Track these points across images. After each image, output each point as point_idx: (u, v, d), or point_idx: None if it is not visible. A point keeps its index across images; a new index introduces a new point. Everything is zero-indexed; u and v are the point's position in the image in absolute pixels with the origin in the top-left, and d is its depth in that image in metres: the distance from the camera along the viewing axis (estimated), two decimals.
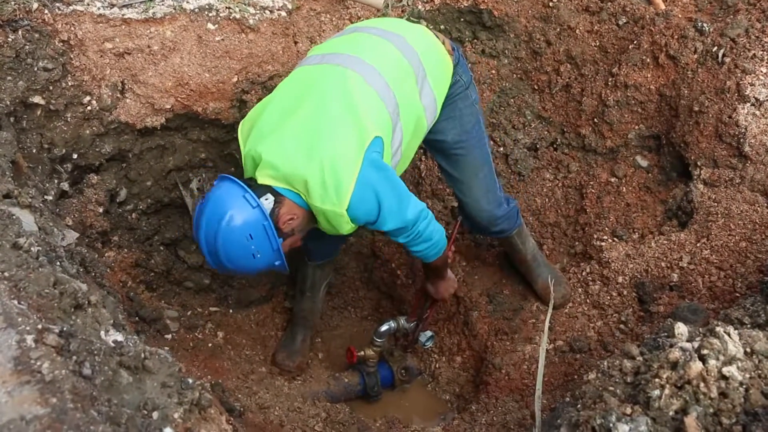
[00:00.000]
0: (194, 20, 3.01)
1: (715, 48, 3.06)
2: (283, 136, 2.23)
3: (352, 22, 3.38)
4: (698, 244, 2.81)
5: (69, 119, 2.76)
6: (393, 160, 2.44)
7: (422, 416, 3.30)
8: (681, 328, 1.72)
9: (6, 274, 1.55)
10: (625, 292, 2.94)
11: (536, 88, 3.65)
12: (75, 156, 2.80)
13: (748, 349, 1.56)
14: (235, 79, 3.06)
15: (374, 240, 3.65)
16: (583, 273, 3.15)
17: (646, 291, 2.85)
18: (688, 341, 1.65)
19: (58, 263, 1.89)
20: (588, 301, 3.05)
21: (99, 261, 2.46)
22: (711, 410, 1.43)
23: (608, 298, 2.98)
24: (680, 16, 3.26)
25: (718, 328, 1.60)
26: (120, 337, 1.62)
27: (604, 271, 3.05)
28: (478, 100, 2.82)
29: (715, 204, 2.88)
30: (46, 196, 2.54)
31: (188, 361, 2.93)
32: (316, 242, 3.05)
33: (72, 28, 2.78)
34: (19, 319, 1.37)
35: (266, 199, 2.22)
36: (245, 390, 2.91)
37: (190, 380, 1.57)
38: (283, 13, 3.23)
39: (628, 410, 1.52)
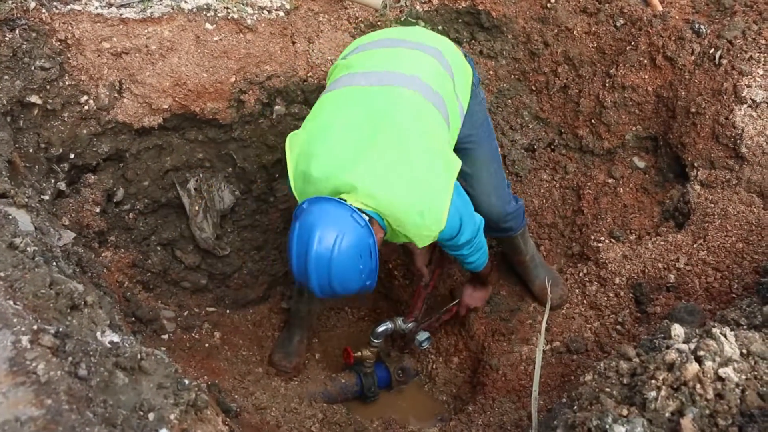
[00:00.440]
0: (192, 20, 3.01)
1: (712, 50, 3.07)
2: (375, 168, 2.20)
3: (350, 23, 3.38)
4: (695, 245, 2.81)
5: (66, 119, 2.75)
6: None
7: (419, 417, 3.30)
8: (677, 330, 1.72)
9: (2, 274, 1.55)
10: (622, 293, 2.94)
11: (534, 89, 3.65)
12: (72, 156, 2.80)
13: (744, 351, 1.56)
14: (232, 79, 3.06)
15: None
16: (580, 274, 3.15)
17: (643, 292, 2.85)
18: (684, 342, 1.65)
19: (55, 263, 1.89)
20: (585, 302, 3.06)
21: (95, 261, 2.47)
22: (707, 412, 1.43)
23: (605, 299, 2.98)
24: (677, 17, 3.26)
25: (714, 330, 1.60)
26: (116, 338, 1.62)
27: (601, 272, 3.05)
28: (485, 100, 2.84)
29: (712, 205, 2.88)
30: (42, 196, 2.54)
31: (185, 361, 2.92)
32: None
33: (69, 28, 2.77)
34: (15, 320, 1.37)
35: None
36: (242, 391, 2.91)
37: (187, 381, 1.57)
38: (281, 14, 3.23)
39: (625, 411, 1.52)
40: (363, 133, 2.25)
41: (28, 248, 1.73)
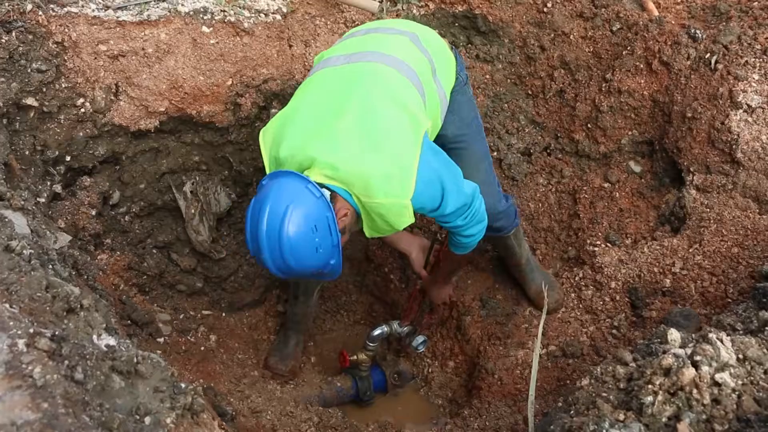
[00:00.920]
0: (189, 23, 3.01)
1: (708, 54, 3.08)
2: (337, 137, 2.17)
3: (347, 26, 3.38)
4: (691, 250, 2.82)
5: (62, 121, 2.75)
6: None
7: (415, 421, 3.29)
8: (674, 335, 1.73)
9: None
10: (617, 297, 2.94)
11: (530, 93, 3.65)
12: (68, 158, 2.79)
13: (740, 356, 1.57)
14: (229, 83, 3.06)
15: (368, 244, 3.65)
16: (576, 278, 3.16)
17: (639, 296, 2.86)
18: (681, 347, 1.66)
19: (51, 266, 1.89)
20: (581, 306, 3.06)
21: (91, 264, 2.46)
22: (704, 417, 1.43)
23: (601, 303, 2.99)
24: (673, 22, 3.27)
25: (711, 335, 1.60)
26: (112, 342, 1.61)
27: (597, 276, 3.05)
28: (474, 97, 2.83)
29: (708, 210, 2.89)
30: (38, 199, 2.54)
31: (180, 364, 2.92)
32: None
33: (66, 30, 2.77)
34: (11, 323, 1.36)
35: (325, 192, 2.14)
36: (237, 394, 2.91)
37: (183, 385, 1.56)
38: (278, 17, 3.23)
39: (621, 416, 1.52)
40: (330, 108, 2.24)
41: (24, 251, 1.72)
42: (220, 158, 3.25)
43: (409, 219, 2.23)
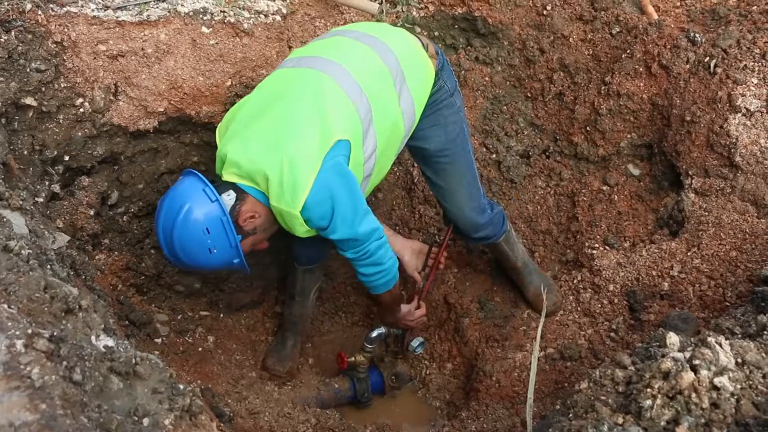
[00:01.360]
0: (188, 23, 3.00)
1: (707, 58, 3.08)
2: (248, 136, 2.26)
3: None
4: (689, 253, 2.82)
5: (61, 121, 2.74)
6: (366, 165, 2.44)
7: (412, 423, 3.29)
8: (673, 338, 1.73)
9: None
10: (615, 300, 2.95)
11: (529, 95, 3.66)
12: (66, 158, 2.79)
13: (739, 360, 1.57)
14: (228, 83, 3.06)
15: None
16: (575, 281, 3.16)
17: (637, 299, 2.86)
18: (679, 351, 1.66)
19: (49, 267, 1.88)
20: (579, 308, 3.06)
21: (89, 264, 2.45)
22: (702, 421, 1.43)
23: (599, 306, 2.99)
24: (673, 26, 3.28)
25: (709, 339, 1.60)
26: (111, 342, 1.61)
27: (595, 279, 3.05)
28: (463, 107, 2.81)
29: (706, 213, 2.89)
30: (36, 198, 2.53)
31: (178, 365, 2.91)
32: (302, 245, 3.03)
33: (65, 30, 2.76)
34: (9, 324, 1.36)
35: (228, 195, 2.25)
36: (235, 395, 2.90)
37: (181, 386, 1.56)
38: (278, 18, 3.23)
39: (620, 420, 1.52)
40: (260, 108, 2.32)
41: (22, 251, 1.72)
42: None
43: (303, 228, 2.29)
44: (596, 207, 3.36)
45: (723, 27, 3.17)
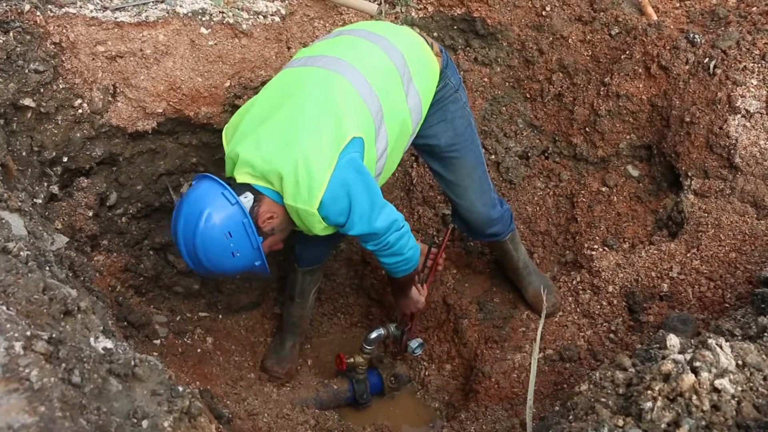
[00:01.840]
0: (187, 24, 3.00)
1: (707, 59, 3.08)
2: (260, 135, 2.23)
3: None
4: (688, 255, 2.82)
5: (60, 122, 2.73)
6: (378, 163, 2.44)
7: (411, 424, 3.29)
8: (673, 340, 1.73)
9: None
10: (615, 302, 2.94)
11: (528, 96, 3.65)
12: (65, 159, 2.78)
13: (739, 362, 1.56)
14: (227, 84, 3.05)
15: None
16: (574, 282, 3.16)
17: (636, 300, 2.86)
18: (680, 353, 1.65)
19: (48, 268, 1.87)
20: (578, 310, 3.06)
21: (88, 265, 2.44)
22: (703, 423, 1.43)
23: (598, 307, 2.99)
24: (672, 27, 3.28)
25: (710, 341, 1.60)
26: (110, 344, 1.60)
27: (595, 280, 3.05)
28: (468, 103, 2.81)
29: (706, 214, 2.89)
30: (35, 200, 2.52)
31: (177, 366, 2.91)
32: (304, 247, 3.03)
33: (64, 31, 2.76)
34: (8, 326, 1.35)
35: (245, 197, 2.21)
36: (234, 396, 2.90)
37: (181, 388, 1.55)
38: (277, 19, 3.23)
39: (620, 422, 1.52)
40: (270, 108, 2.29)
41: (21, 253, 1.71)
42: (217, 160, 3.23)
43: (321, 225, 2.27)
44: (595, 208, 3.36)
45: (722, 28, 3.17)
